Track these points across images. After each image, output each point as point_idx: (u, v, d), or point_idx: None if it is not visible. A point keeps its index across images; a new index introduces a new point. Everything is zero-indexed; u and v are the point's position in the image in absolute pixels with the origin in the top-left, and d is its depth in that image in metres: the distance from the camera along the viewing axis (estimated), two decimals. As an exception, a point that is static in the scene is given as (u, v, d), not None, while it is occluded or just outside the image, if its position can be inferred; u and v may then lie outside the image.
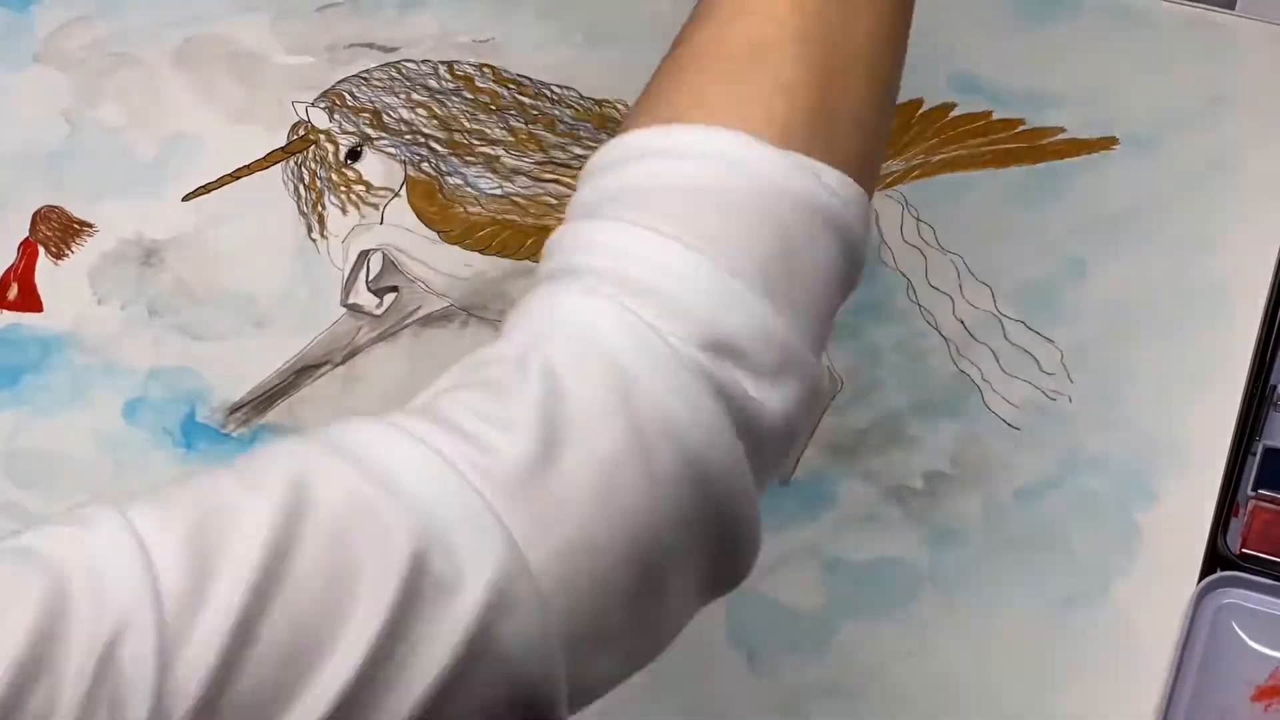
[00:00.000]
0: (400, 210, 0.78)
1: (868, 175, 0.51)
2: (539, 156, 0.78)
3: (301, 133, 0.80)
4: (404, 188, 0.78)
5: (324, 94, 0.81)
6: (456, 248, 0.77)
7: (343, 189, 0.78)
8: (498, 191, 0.78)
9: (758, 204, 0.47)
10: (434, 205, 0.78)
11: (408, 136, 0.79)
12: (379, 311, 0.75)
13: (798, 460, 0.70)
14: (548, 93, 0.79)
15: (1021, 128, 0.77)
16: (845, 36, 0.53)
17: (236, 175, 0.79)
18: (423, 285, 0.76)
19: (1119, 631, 0.66)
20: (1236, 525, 0.68)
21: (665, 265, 0.46)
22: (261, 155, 0.79)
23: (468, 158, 0.78)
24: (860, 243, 0.50)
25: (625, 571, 0.44)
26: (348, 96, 0.80)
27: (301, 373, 0.74)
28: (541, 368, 0.44)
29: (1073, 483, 0.69)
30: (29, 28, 0.84)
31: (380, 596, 0.41)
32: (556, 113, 0.79)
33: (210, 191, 0.79)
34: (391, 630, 0.41)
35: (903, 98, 0.77)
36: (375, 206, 0.78)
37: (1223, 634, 0.66)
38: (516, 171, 0.78)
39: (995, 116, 0.77)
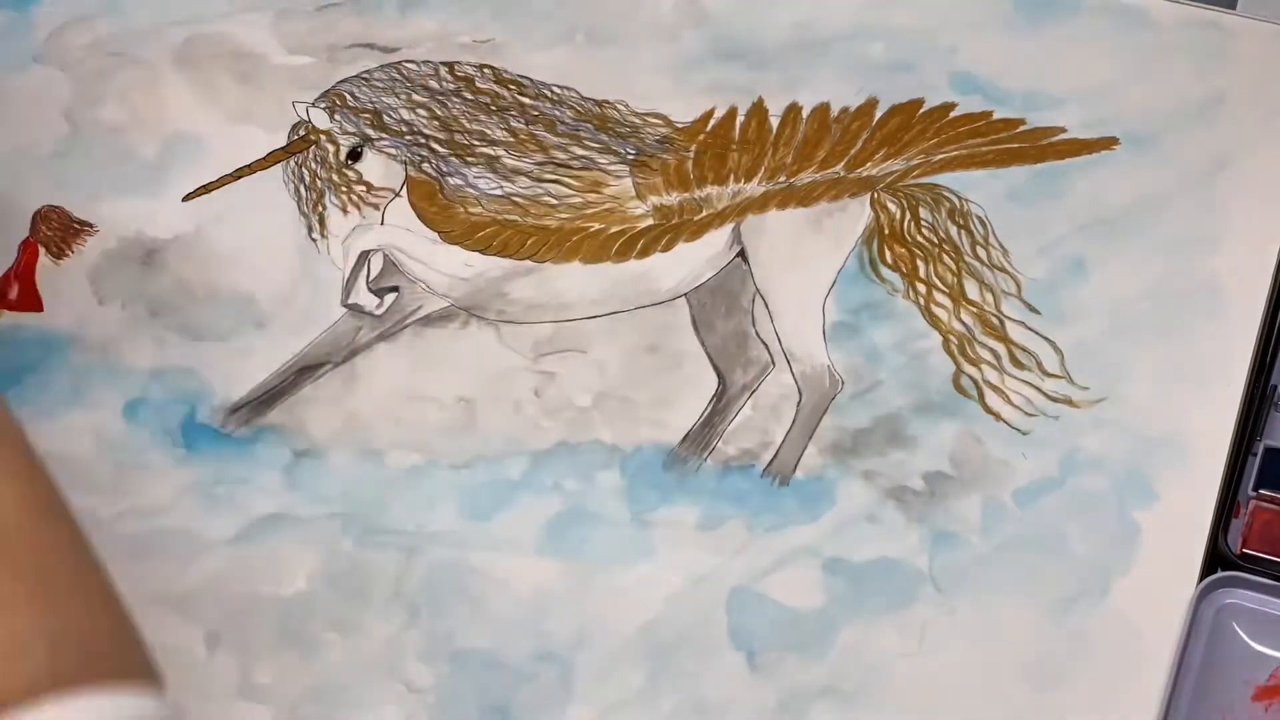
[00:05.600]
0: (401, 210, 0.78)
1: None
2: (539, 157, 0.78)
3: (302, 133, 0.80)
4: (404, 188, 0.78)
5: (324, 94, 0.81)
6: (457, 248, 0.77)
7: (343, 189, 0.78)
8: (498, 192, 0.78)
9: None
10: (434, 205, 0.78)
11: (408, 137, 0.79)
12: (379, 311, 0.75)
13: (798, 461, 0.70)
14: (548, 93, 0.79)
15: (1022, 128, 0.77)
16: None
17: (237, 175, 0.79)
18: (423, 285, 0.76)
19: (1119, 631, 0.66)
20: (1237, 525, 0.68)
21: None
22: (262, 155, 0.79)
23: (468, 158, 0.79)
24: None
25: None
26: (348, 97, 0.80)
27: (302, 373, 0.74)
28: None
29: (1073, 483, 0.69)
30: (29, 28, 0.84)
31: None
32: (557, 113, 0.79)
33: (210, 191, 0.79)
34: None
35: (903, 98, 0.78)
36: (376, 207, 0.78)
37: (1223, 634, 0.66)
38: (517, 172, 0.78)
39: (995, 116, 0.78)
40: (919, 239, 0.75)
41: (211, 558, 0.71)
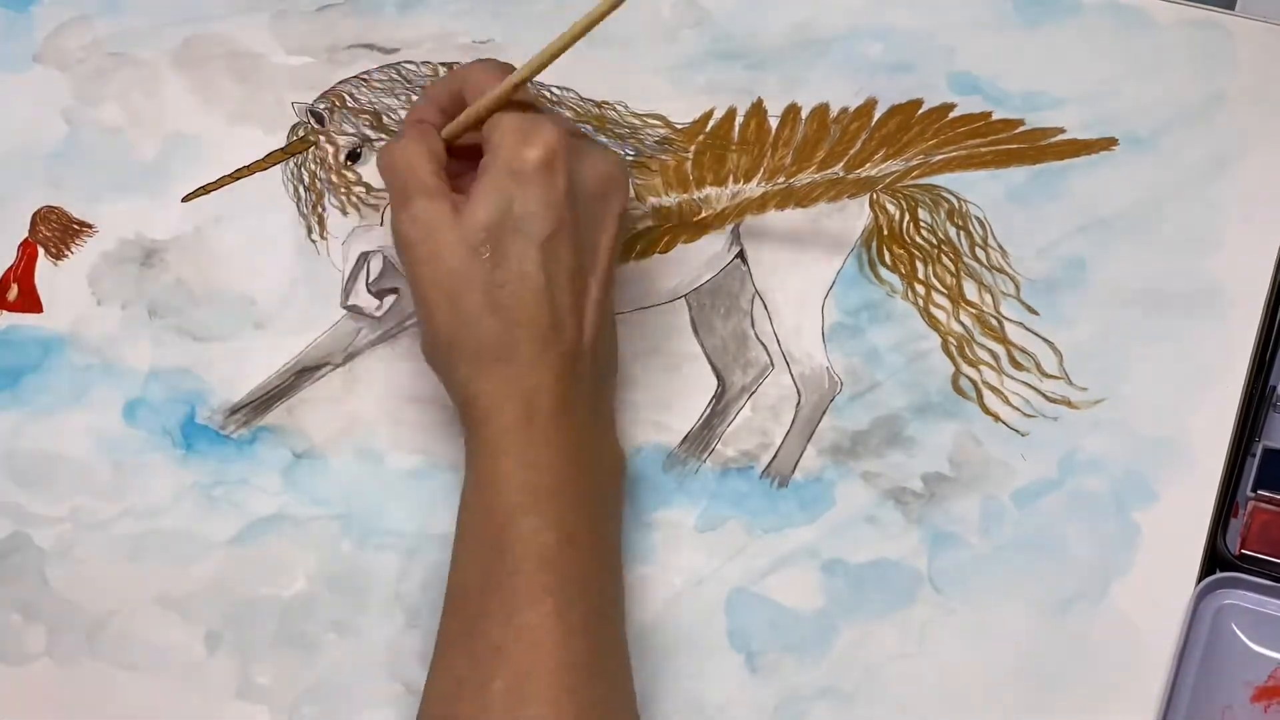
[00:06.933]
0: (400, 211, 0.78)
1: None
2: (538, 158, 0.78)
3: (301, 134, 0.80)
4: (404, 189, 0.78)
5: (324, 95, 0.80)
6: (456, 249, 0.77)
7: (343, 190, 0.78)
8: (497, 193, 0.77)
9: None
10: (433, 206, 0.77)
11: (407, 138, 0.79)
12: (379, 313, 0.75)
13: (796, 462, 0.70)
14: (547, 94, 0.79)
15: (1021, 128, 0.77)
16: None
17: (236, 176, 0.79)
18: (422, 286, 0.76)
19: (1119, 632, 0.66)
20: (1236, 526, 0.68)
21: None
22: (261, 156, 0.79)
23: (467, 159, 0.78)
24: None
25: None
26: (348, 98, 0.80)
27: (301, 374, 0.74)
28: None
29: (1072, 483, 0.69)
30: (29, 28, 0.84)
31: None
32: (556, 114, 0.79)
33: (210, 192, 0.79)
34: None
35: (902, 98, 0.78)
36: (375, 208, 0.78)
37: (1222, 635, 0.66)
38: (516, 173, 0.78)
39: (995, 117, 0.77)
40: (918, 240, 0.75)
41: (211, 558, 0.71)
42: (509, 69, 0.67)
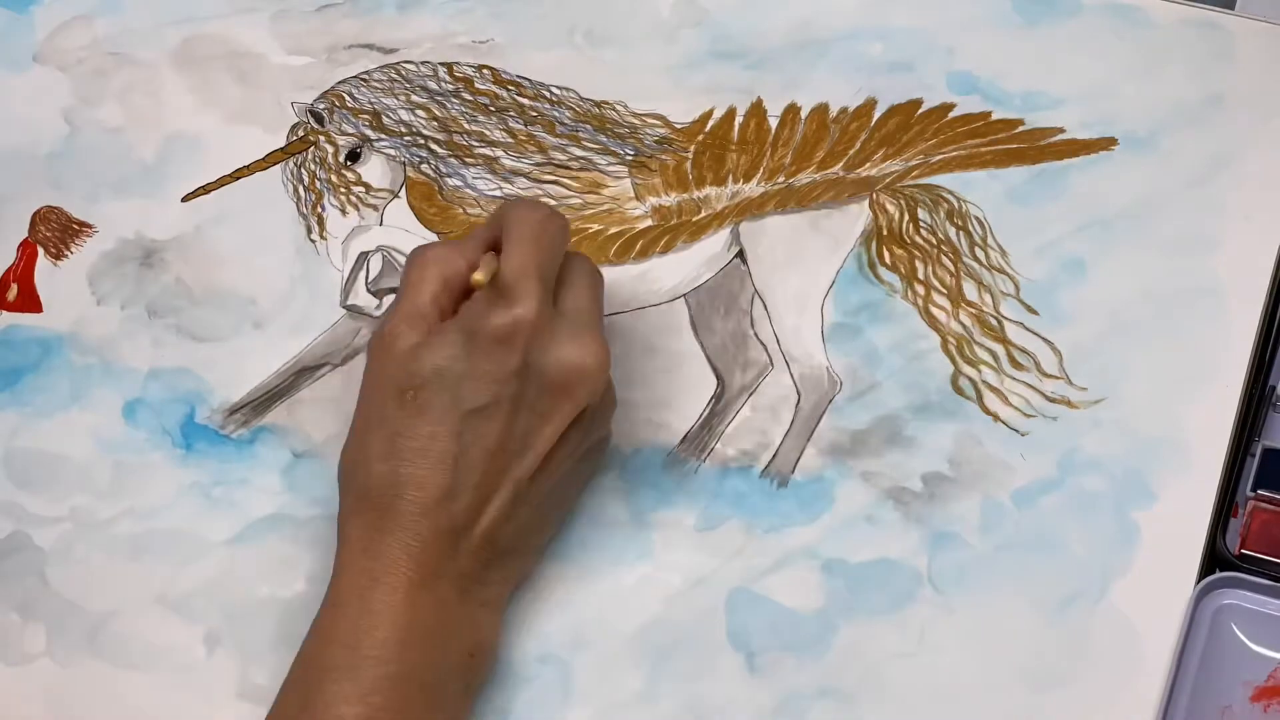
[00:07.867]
0: (400, 211, 0.78)
1: None
2: (538, 158, 0.78)
3: (301, 134, 0.80)
4: (403, 189, 0.78)
5: (323, 95, 0.81)
6: (456, 249, 0.77)
7: (342, 190, 0.78)
8: (497, 193, 0.78)
9: None
10: (433, 206, 0.78)
11: (407, 138, 0.79)
12: (378, 313, 0.75)
13: (796, 462, 0.70)
14: (547, 94, 0.79)
15: (1020, 128, 0.77)
16: None
17: (236, 176, 0.79)
18: (422, 286, 0.76)
19: (1117, 632, 0.66)
20: (1235, 525, 0.68)
21: None
22: (261, 156, 0.79)
23: (467, 159, 0.79)
24: None
25: None
26: (347, 98, 0.80)
27: (301, 374, 0.74)
28: None
29: (1072, 483, 0.69)
30: (29, 28, 0.84)
31: None
32: (556, 114, 0.79)
33: (209, 192, 0.79)
34: None
35: (902, 98, 0.78)
36: (375, 208, 0.78)
37: (1222, 634, 0.66)
38: (515, 173, 0.78)
39: (994, 117, 0.77)
40: (917, 240, 0.75)
41: (211, 558, 0.71)
42: (547, 217, 0.64)
